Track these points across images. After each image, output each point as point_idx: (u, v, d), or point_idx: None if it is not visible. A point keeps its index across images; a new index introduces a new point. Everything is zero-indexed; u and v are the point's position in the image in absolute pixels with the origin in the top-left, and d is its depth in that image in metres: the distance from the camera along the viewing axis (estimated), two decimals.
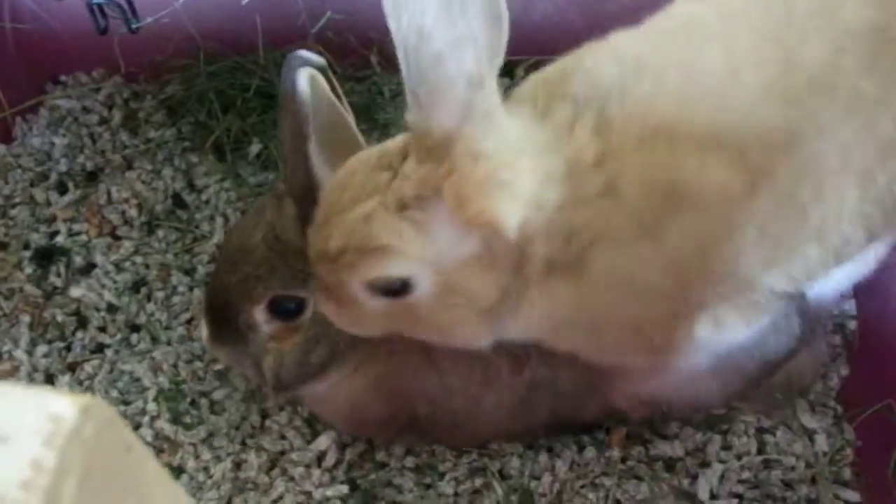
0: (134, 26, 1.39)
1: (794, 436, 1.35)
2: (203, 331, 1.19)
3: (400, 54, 0.79)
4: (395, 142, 0.93)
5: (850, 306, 1.48)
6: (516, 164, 0.84)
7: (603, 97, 0.88)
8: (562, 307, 0.95)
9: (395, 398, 1.23)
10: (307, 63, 1.06)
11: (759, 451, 1.34)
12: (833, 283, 1.14)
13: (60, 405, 0.46)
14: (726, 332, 1.03)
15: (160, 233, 1.64)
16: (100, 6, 1.39)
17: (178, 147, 1.76)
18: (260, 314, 1.13)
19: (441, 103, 0.79)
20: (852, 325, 1.47)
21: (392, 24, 0.78)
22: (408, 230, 0.87)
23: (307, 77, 1.04)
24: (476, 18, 0.76)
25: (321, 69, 1.08)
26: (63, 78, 1.86)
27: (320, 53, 1.68)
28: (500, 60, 0.80)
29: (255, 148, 1.72)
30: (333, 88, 1.12)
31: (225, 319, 1.15)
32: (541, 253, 0.90)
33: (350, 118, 1.14)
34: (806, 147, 0.89)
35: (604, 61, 0.91)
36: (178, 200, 1.69)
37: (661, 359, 1.08)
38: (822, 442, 1.34)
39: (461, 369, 1.19)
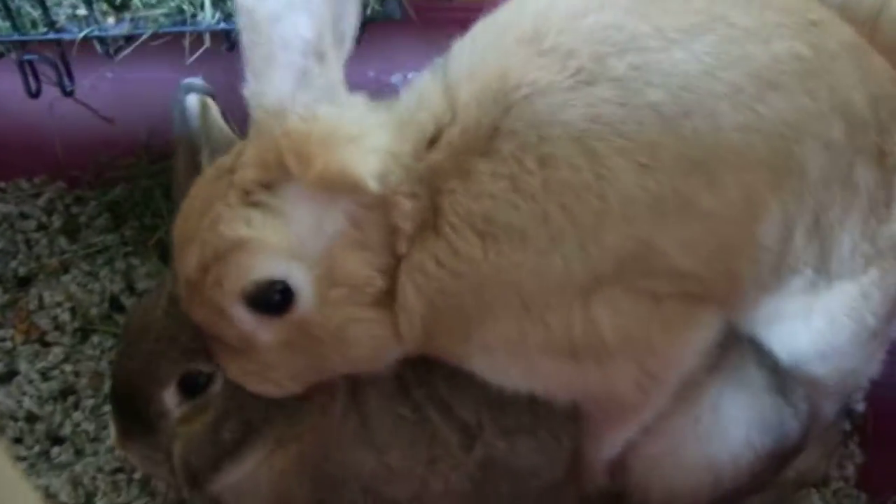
0: (69, 89, 1.31)
1: None
2: (112, 431, 1.01)
3: (239, 20, 0.78)
4: (229, 153, 0.88)
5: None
6: (361, 120, 0.81)
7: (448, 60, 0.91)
8: (433, 284, 0.84)
9: (324, 482, 1.03)
10: (195, 89, 1.01)
11: None
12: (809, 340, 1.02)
13: None
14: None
15: (95, 339, 1.51)
16: (31, 64, 1.29)
17: (119, 251, 1.64)
18: (170, 397, 0.95)
19: (275, 66, 0.77)
20: (861, 407, 1.34)
21: None
22: (257, 215, 0.80)
23: (198, 102, 0.99)
24: None
25: (211, 95, 1.02)
26: (2, 185, 1.77)
27: None
28: (347, 45, 0.80)
29: None
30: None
31: (133, 413, 0.96)
32: (406, 216, 0.83)
33: None
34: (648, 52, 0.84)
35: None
36: (115, 304, 1.56)
37: (584, 364, 0.91)
38: None
39: (402, 445, 1.01)
